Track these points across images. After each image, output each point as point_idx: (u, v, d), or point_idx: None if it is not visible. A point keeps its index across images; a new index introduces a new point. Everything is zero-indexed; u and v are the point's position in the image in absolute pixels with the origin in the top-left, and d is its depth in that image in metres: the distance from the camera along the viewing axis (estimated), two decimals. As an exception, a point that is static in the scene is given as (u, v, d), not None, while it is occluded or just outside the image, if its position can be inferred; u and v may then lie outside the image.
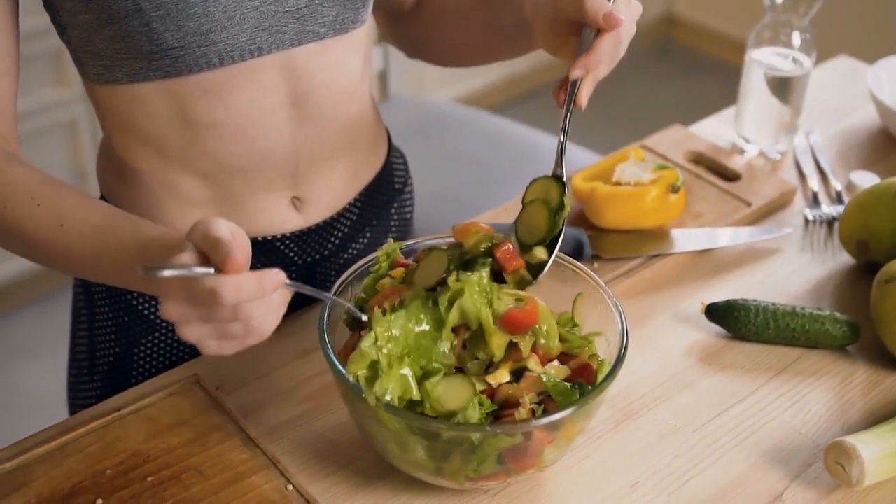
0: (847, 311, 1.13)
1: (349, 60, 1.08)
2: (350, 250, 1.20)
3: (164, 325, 1.13)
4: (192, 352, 1.15)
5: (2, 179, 0.95)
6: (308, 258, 1.15)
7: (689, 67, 3.94)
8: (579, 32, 0.97)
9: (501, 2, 1.11)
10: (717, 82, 3.77)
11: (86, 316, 1.18)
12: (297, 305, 1.18)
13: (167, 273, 0.76)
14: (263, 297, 0.79)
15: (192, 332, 0.80)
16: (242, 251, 0.77)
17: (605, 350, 0.95)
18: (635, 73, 3.86)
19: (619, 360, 0.90)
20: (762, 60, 1.35)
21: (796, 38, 1.33)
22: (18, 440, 0.96)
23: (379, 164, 1.22)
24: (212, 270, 0.77)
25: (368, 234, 1.21)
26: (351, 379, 0.85)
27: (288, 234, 1.13)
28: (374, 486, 0.93)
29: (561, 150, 0.97)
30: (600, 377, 0.92)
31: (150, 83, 1.00)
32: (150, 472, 0.93)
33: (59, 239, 0.94)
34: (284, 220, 1.12)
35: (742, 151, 1.40)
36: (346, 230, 1.18)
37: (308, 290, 0.86)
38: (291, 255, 1.14)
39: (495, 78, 3.60)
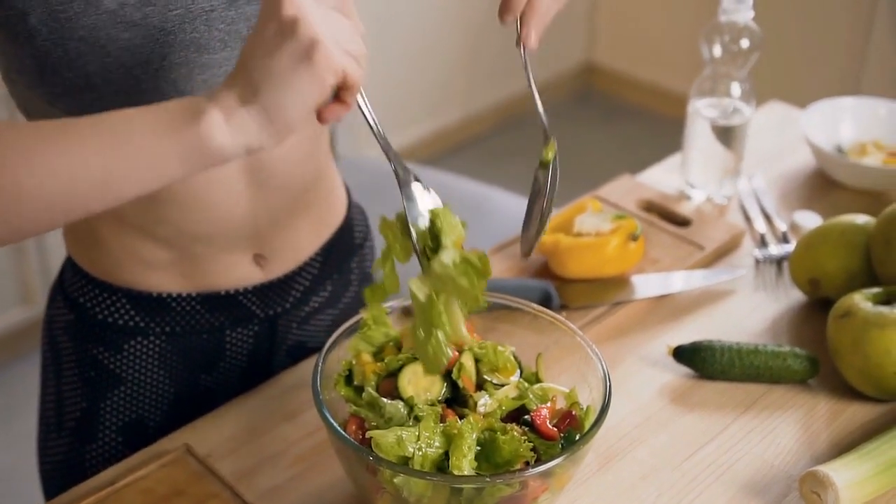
0: (804, 345, 1.19)
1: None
2: (311, 303, 1.22)
3: (129, 378, 1.15)
4: (156, 405, 1.16)
5: None
6: (270, 311, 1.18)
7: (610, 114, 4.05)
8: None
9: None
10: (638, 127, 3.88)
11: (53, 372, 1.19)
12: (276, 370, 1.21)
13: None
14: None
15: (316, 25, 0.78)
16: None
17: (587, 396, 0.99)
18: (557, 120, 3.95)
19: (606, 406, 0.93)
20: (705, 110, 1.42)
21: (735, 88, 1.40)
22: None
23: (339, 220, 1.25)
24: None
25: (329, 288, 1.24)
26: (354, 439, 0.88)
27: (250, 288, 1.15)
28: (374, 543, 0.95)
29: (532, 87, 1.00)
30: (586, 424, 0.96)
31: None
32: (151, 544, 0.94)
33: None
34: (247, 275, 1.15)
35: (689, 198, 1.46)
36: (308, 283, 1.21)
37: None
38: (254, 308, 1.16)
39: (424, 132, 3.66)
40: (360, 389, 0.99)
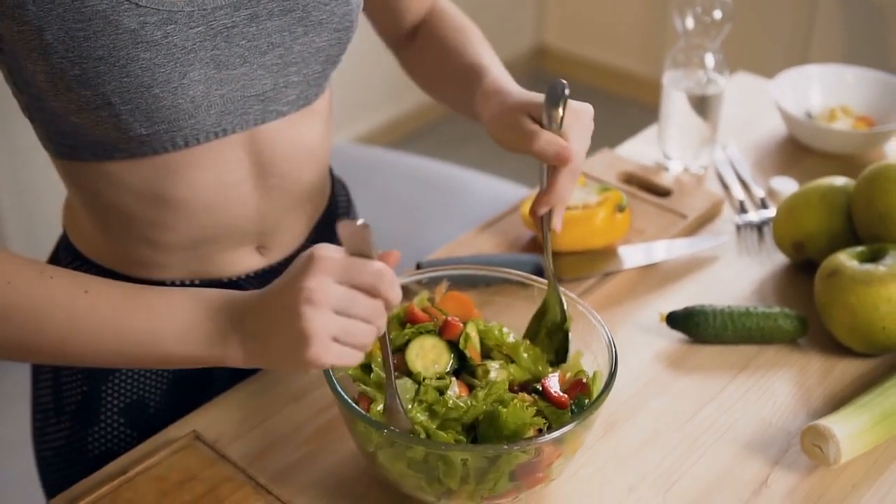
0: (790, 306, 1.22)
1: (311, 128, 1.12)
2: None
3: None
4: (156, 385, 1.17)
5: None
6: None
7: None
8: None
9: (457, 84, 1.20)
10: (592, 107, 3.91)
11: None
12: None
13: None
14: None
15: (322, 321, 0.84)
16: None
17: (591, 363, 1.01)
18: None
19: (614, 372, 0.96)
20: (680, 82, 1.44)
21: (709, 59, 1.43)
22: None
23: (327, 199, 1.26)
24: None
25: None
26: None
27: (252, 274, 1.17)
28: (390, 517, 0.97)
29: (551, 274, 1.06)
30: (595, 390, 0.98)
31: (116, 162, 1.02)
32: (169, 530, 0.94)
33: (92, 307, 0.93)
34: (249, 264, 1.16)
35: (666, 169, 1.49)
36: None
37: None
38: (253, 290, 1.17)
39: (383, 119, 3.66)
40: (367, 368, 1.00)
